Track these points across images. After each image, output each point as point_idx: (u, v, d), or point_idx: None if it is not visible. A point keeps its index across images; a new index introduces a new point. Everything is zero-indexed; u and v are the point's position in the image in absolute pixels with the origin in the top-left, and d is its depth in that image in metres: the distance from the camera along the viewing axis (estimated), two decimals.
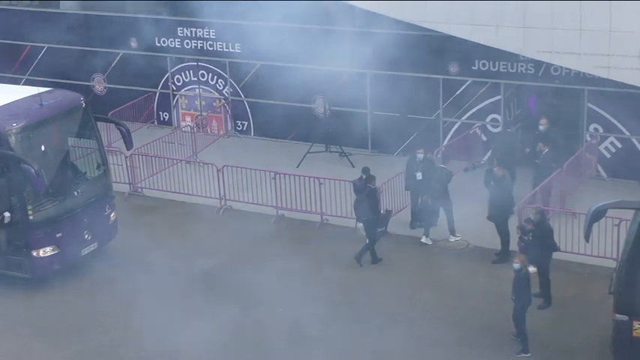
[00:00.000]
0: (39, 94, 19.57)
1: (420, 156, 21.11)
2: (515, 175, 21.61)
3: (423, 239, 20.53)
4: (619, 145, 22.90)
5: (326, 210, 21.58)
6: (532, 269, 18.41)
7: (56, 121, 19.58)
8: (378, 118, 25.56)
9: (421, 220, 20.80)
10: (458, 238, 20.43)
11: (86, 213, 19.66)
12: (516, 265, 16.44)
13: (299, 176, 21.97)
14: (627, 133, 22.68)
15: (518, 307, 16.36)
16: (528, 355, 16.39)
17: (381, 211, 20.19)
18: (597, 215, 14.02)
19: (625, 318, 14.36)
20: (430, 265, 19.57)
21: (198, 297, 18.59)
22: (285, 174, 22.01)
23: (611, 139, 22.96)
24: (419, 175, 20.99)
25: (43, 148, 19.11)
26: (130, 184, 23.92)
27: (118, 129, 20.81)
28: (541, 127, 22.11)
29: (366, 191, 19.93)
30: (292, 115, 26.63)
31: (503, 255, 19.42)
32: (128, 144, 20.85)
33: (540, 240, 17.60)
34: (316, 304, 18.10)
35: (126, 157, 23.43)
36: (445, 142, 24.56)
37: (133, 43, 28.50)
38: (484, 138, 24.29)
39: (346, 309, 17.99)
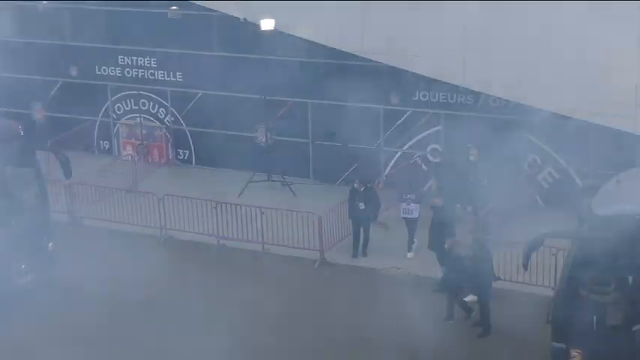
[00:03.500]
0: None
1: (354, 185, 21.21)
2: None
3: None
4: (556, 176, 23.26)
5: (268, 239, 21.54)
6: (471, 298, 18.62)
7: None
8: (320, 148, 25.65)
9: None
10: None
11: (24, 243, 19.33)
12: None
13: (241, 205, 21.91)
14: (564, 163, 23.05)
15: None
16: None
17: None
18: (535, 245, 14.21)
19: (562, 346, 14.53)
20: (371, 294, 19.59)
21: (138, 327, 18.36)
22: (226, 203, 21.94)
23: (549, 169, 23.31)
24: (361, 205, 21.08)
25: None
26: (69, 213, 23.61)
27: (57, 158, 20.56)
28: (471, 158, 22.34)
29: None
30: (234, 144, 26.57)
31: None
32: (67, 173, 20.60)
33: (479, 269, 17.76)
34: (256, 333, 18.03)
35: (65, 186, 23.14)
36: (386, 172, 24.71)
37: (73, 72, 28.27)
38: (424, 167, 24.49)
39: (287, 338, 17.92)
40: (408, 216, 21.12)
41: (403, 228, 22.17)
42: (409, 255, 21.22)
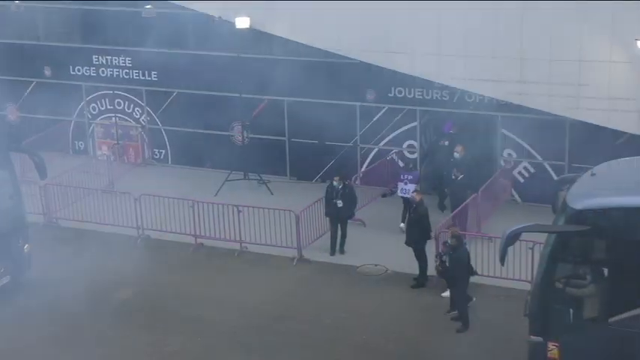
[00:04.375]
0: None
1: (334, 183, 21.24)
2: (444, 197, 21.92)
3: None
4: (532, 170, 23.39)
5: (245, 237, 21.50)
6: (449, 294, 18.67)
7: None
8: (296, 146, 25.65)
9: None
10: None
11: None
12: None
13: (217, 204, 21.86)
14: (540, 158, 23.18)
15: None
16: None
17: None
18: (512, 239, 14.20)
19: (540, 339, 14.55)
20: (350, 291, 19.61)
21: (116, 328, 18.30)
22: (203, 202, 21.87)
23: (525, 164, 23.44)
24: (339, 203, 21.10)
25: None
26: (44, 214, 23.48)
27: (32, 159, 20.40)
28: (456, 154, 22.46)
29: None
30: (210, 142, 26.55)
31: (422, 279, 19.60)
32: (42, 174, 20.45)
33: (457, 264, 17.82)
34: (236, 332, 18.00)
35: (40, 187, 23.00)
36: (363, 169, 24.74)
37: (47, 72, 28.12)
38: (401, 164, 24.54)
39: (265, 336, 17.90)
40: (406, 195, 21.88)
41: (379, 225, 22.30)
42: (402, 225, 21.79)
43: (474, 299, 18.41)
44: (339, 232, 21.33)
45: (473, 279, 18.30)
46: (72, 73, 27.87)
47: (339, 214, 21.27)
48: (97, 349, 17.61)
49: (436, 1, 21.88)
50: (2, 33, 29.16)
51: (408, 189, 21.88)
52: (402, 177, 22.43)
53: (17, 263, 19.76)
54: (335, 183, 21.24)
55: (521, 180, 23.53)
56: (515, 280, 18.63)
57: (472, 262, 18.28)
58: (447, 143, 23.47)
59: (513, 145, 23.36)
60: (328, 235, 21.47)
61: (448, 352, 16.97)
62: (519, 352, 15.27)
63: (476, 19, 21.66)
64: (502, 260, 14.30)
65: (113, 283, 20.21)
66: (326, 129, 24.99)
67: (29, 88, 28.60)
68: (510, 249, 14.31)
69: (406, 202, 21.90)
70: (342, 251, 21.30)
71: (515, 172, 23.51)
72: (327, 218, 21.46)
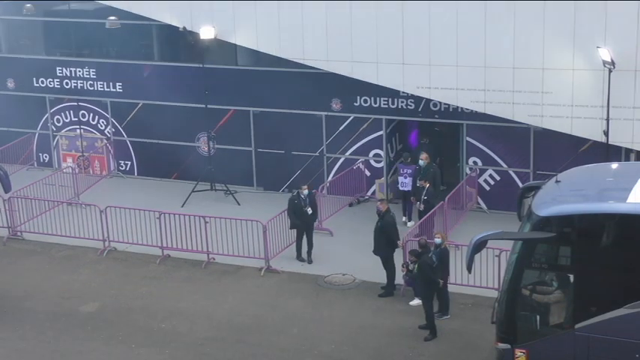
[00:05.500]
0: None
1: (305, 192, 21.25)
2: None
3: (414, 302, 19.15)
4: (497, 178, 23.53)
5: (212, 249, 21.43)
6: (416, 302, 18.73)
7: None
8: (263, 156, 25.63)
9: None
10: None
11: None
12: (438, 240, 18.03)
13: (184, 215, 21.79)
14: (505, 165, 23.34)
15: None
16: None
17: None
18: (479, 246, 14.30)
19: (507, 346, 14.65)
20: (317, 301, 19.61)
21: (82, 341, 18.14)
22: (170, 213, 21.78)
23: (490, 171, 23.58)
24: (309, 210, 21.12)
25: None
26: (8, 227, 23.26)
27: None
28: (421, 162, 22.57)
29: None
30: (176, 154, 26.46)
31: (389, 288, 19.63)
32: (6, 187, 20.27)
33: (423, 273, 17.88)
34: (204, 343, 17.92)
35: (4, 200, 22.79)
36: (330, 178, 24.77)
37: (10, 84, 27.90)
38: (368, 173, 24.60)
39: (233, 347, 17.83)
40: (404, 188, 22.90)
41: (347, 234, 22.33)
42: (409, 224, 22.40)
43: (449, 315, 18.43)
44: (305, 240, 21.31)
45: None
46: (35, 85, 27.67)
47: (310, 222, 21.29)
48: None
49: (400, 11, 22.02)
50: None
51: (407, 182, 22.81)
52: (401, 171, 23.10)
53: None
54: (305, 192, 21.23)
55: (487, 188, 23.67)
56: (483, 287, 18.72)
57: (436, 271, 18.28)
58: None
59: (478, 152, 23.50)
60: (294, 245, 21.46)
61: None
62: None
63: (439, 28, 21.81)
64: (469, 268, 14.38)
65: (79, 296, 20.06)
66: (292, 139, 25.03)
67: None
68: (477, 256, 14.40)
69: (405, 195, 22.78)
70: (309, 261, 21.28)
71: (480, 180, 23.64)
72: (293, 228, 21.39)
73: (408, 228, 21.74)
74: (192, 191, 24.90)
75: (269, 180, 25.67)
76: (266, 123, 25.25)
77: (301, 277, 20.67)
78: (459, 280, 18.79)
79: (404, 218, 22.82)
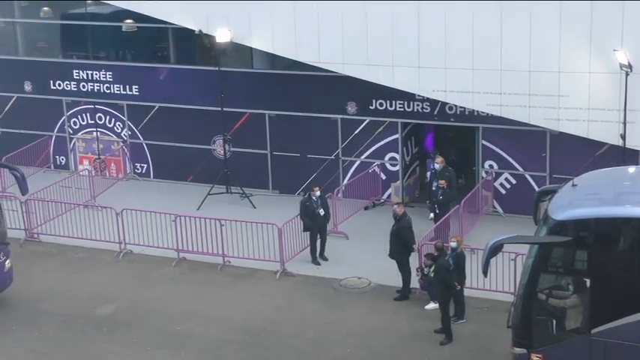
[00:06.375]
0: None
1: (317, 193, 21.26)
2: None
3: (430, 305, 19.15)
4: (513, 181, 23.47)
5: (228, 252, 21.46)
6: (432, 306, 18.70)
7: None
8: (278, 159, 25.65)
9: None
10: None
11: None
12: (454, 243, 17.89)
13: (200, 218, 21.82)
14: (521, 169, 23.27)
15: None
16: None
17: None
18: (495, 250, 14.26)
19: (523, 351, 14.61)
20: (333, 304, 19.60)
21: (98, 343, 18.21)
22: (185, 216, 21.83)
23: (506, 175, 23.52)
24: (321, 212, 21.13)
25: None
26: (25, 230, 23.36)
27: (12, 174, 20.32)
28: (436, 166, 22.54)
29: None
30: (192, 156, 26.53)
31: (405, 292, 19.61)
32: (23, 189, 20.36)
33: (440, 276, 17.85)
34: (220, 346, 17.94)
35: (21, 202, 22.89)
36: (345, 181, 24.77)
37: (28, 87, 28.05)
38: (383, 176, 24.59)
39: (248, 350, 17.85)
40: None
41: (362, 237, 22.29)
42: (432, 216, 22.51)
43: (464, 320, 18.39)
44: (320, 241, 21.33)
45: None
46: (52, 87, 27.79)
47: (322, 223, 21.31)
48: None
49: (416, 14, 21.99)
50: None
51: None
52: (431, 167, 23.10)
53: None
54: (318, 193, 21.25)
55: (503, 191, 23.60)
56: (498, 291, 18.67)
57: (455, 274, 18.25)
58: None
59: (494, 156, 23.44)
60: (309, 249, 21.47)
61: None
62: None
63: (455, 31, 21.78)
64: (485, 272, 14.35)
65: (95, 298, 20.12)
66: (308, 142, 25.04)
67: (10, 103, 28.49)
68: (493, 260, 14.36)
69: (430, 191, 22.74)
70: (324, 258, 21.28)
71: (496, 184, 23.58)
72: (307, 231, 21.39)
73: (429, 222, 21.83)
74: (208, 194, 24.95)
75: (284, 183, 25.69)
76: (281, 126, 25.27)
77: (317, 281, 20.67)
78: (474, 284, 18.73)
79: (432, 215, 22.59)
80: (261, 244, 21.14)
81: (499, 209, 23.67)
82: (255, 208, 24.60)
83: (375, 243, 21.57)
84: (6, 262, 19.88)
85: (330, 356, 17.57)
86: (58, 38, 28.54)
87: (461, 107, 22.99)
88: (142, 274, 21.34)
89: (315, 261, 21.34)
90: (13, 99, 28.41)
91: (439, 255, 18.20)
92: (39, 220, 23.43)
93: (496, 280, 18.22)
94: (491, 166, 23.55)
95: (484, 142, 23.42)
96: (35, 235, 23.43)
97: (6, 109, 28.58)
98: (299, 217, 21.32)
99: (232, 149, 25.84)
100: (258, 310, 19.42)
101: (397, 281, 19.70)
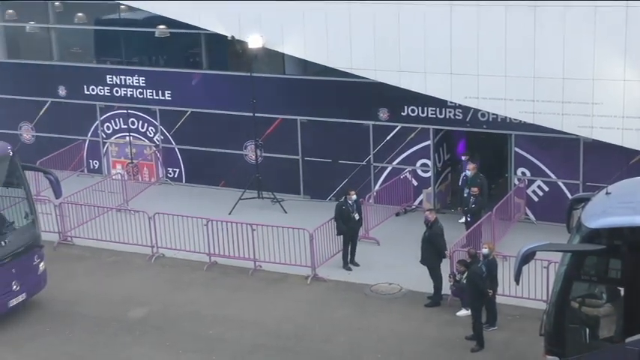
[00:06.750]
0: None
1: (354, 197, 21.29)
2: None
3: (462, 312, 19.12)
4: (546, 189, 23.35)
5: (259, 256, 21.53)
6: (464, 313, 18.65)
7: None
8: (310, 164, 25.70)
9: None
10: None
11: (14, 263, 19.28)
12: (485, 250, 17.93)
13: (231, 223, 21.91)
14: (553, 176, 23.16)
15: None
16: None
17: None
18: (527, 258, 14.19)
19: (555, 359, 14.55)
20: (364, 310, 19.60)
21: (130, 347, 18.33)
22: (217, 220, 21.92)
23: (538, 182, 23.41)
24: (356, 216, 21.17)
25: None
26: (59, 233, 23.57)
27: (47, 177, 20.54)
28: (468, 173, 22.49)
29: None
30: (224, 161, 26.64)
31: (436, 298, 19.57)
32: (57, 192, 20.56)
33: (473, 283, 17.80)
34: (251, 350, 18.00)
35: (55, 205, 23.11)
36: (377, 187, 24.77)
37: (62, 91, 28.31)
38: (415, 182, 24.56)
39: (280, 355, 17.88)
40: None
41: (393, 243, 22.28)
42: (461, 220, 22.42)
43: (496, 327, 18.33)
44: (351, 246, 21.36)
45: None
46: (86, 92, 28.03)
47: (356, 228, 21.34)
48: None
49: (448, 21, 21.97)
50: (17, 53, 29.46)
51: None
52: (462, 174, 23.03)
53: (32, 281, 19.83)
54: (354, 197, 21.28)
55: (536, 199, 23.49)
56: (531, 299, 18.59)
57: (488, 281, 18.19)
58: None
59: (527, 163, 23.34)
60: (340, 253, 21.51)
61: None
62: None
63: (488, 37, 21.73)
64: (517, 279, 14.29)
65: (128, 301, 20.26)
66: (339, 148, 25.06)
67: (44, 108, 28.78)
68: (525, 268, 14.30)
69: (462, 198, 22.57)
70: (355, 263, 21.31)
71: (529, 191, 23.48)
72: (340, 236, 21.42)
73: (461, 228, 21.75)
74: (240, 199, 25.04)
75: (316, 188, 25.73)
76: (313, 132, 25.32)
77: (348, 286, 20.68)
78: (506, 291, 18.67)
79: (462, 219, 22.55)
80: (292, 249, 21.19)
81: (531, 217, 23.56)
82: (286, 213, 24.66)
83: (406, 249, 21.56)
84: (40, 265, 20.09)
85: None
86: (92, 44, 28.80)
87: (493, 114, 22.92)
88: (174, 278, 21.46)
89: (346, 266, 21.37)
90: (48, 104, 28.69)
91: (472, 262, 18.17)
92: (72, 223, 23.64)
93: (528, 288, 18.15)
94: (523, 174, 23.46)
95: (516, 149, 23.33)
96: (69, 239, 23.64)
97: (40, 113, 28.86)
98: (333, 220, 21.36)
99: (264, 154, 25.93)
100: (290, 315, 19.46)
101: (428, 287, 19.67)
